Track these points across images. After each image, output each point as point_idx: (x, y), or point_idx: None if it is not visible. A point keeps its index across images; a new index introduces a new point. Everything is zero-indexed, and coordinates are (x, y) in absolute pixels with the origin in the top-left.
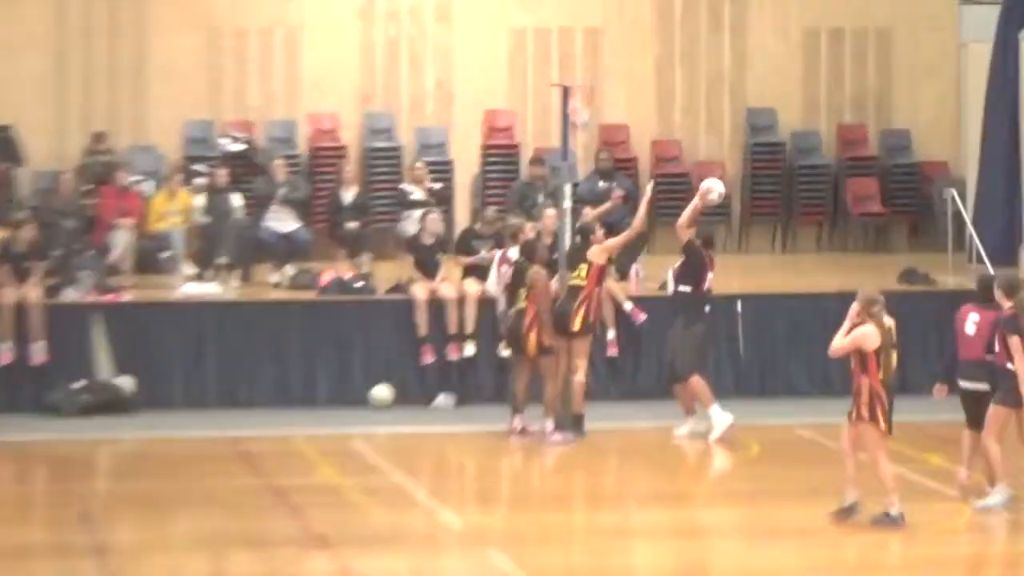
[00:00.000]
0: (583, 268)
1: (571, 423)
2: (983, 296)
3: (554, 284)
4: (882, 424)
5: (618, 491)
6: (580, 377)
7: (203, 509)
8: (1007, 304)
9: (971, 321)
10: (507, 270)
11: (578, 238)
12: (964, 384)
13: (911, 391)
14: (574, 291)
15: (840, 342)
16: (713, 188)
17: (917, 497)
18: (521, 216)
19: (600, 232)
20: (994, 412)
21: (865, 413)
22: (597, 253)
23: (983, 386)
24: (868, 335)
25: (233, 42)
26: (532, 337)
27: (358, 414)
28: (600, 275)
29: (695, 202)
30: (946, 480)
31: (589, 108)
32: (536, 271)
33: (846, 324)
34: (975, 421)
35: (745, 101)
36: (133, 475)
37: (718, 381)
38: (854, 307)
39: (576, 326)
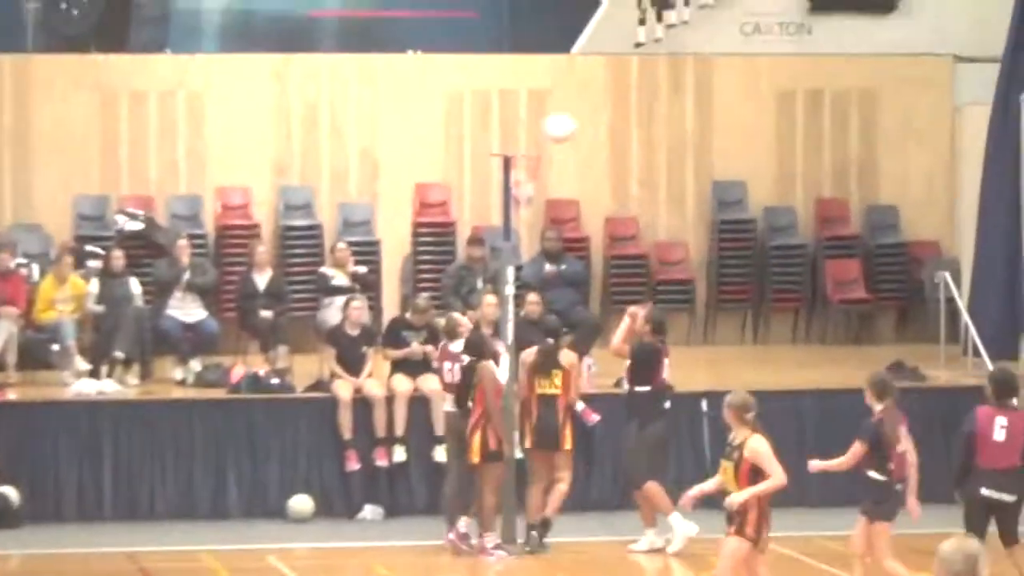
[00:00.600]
0: (556, 375)
1: (538, 527)
2: (1003, 393)
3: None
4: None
5: None
6: (564, 487)
7: None
8: None
9: (999, 425)
10: (451, 366)
11: (550, 340)
12: (988, 493)
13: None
14: (550, 401)
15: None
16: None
17: None
18: (457, 304)
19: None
20: None
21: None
22: (569, 357)
23: (1010, 497)
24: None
25: (130, 106)
26: (476, 440)
27: (274, 528)
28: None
29: (626, 322)
30: None
31: (534, 181)
32: (484, 367)
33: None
34: (986, 533)
35: (711, 173)
36: None
37: (679, 487)
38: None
39: (567, 444)
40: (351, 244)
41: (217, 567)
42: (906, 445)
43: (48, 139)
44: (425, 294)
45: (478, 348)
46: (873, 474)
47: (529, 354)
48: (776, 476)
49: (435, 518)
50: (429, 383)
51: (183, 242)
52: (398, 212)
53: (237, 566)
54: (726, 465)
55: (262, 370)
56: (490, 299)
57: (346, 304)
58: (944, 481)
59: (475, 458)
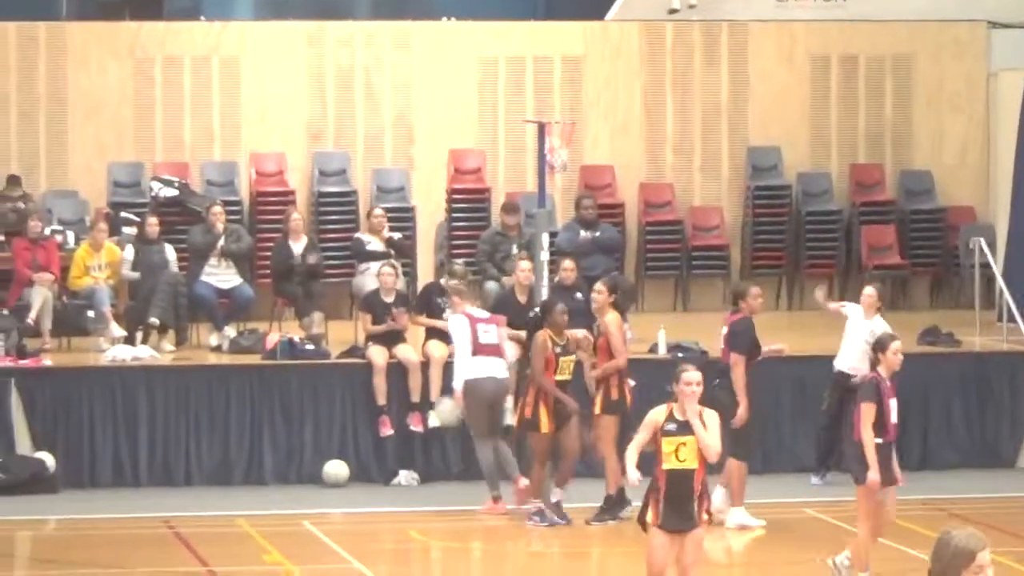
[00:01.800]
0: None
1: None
2: None
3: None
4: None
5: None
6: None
7: None
8: None
9: None
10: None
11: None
12: None
13: (933, 464)
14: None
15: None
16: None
17: None
18: (492, 270)
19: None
20: None
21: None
22: (614, 319)
23: None
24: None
25: (164, 73)
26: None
27: (309, 493)
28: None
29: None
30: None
31: (568, 147)
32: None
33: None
34: None
35: (746, 139)
36: (56, 562)
37: None
38: None
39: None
40: (386, 210)
41: (252, 532)
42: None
43: (83, 106)
44: (460, 260)
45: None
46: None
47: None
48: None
49: (470, 483)
50: None
51: (218, 209)
52: (433, 178)
53: (272, 531)
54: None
55: (297, 336)
56: (524, 264)
57: (380, 270)
58: (982, 447)
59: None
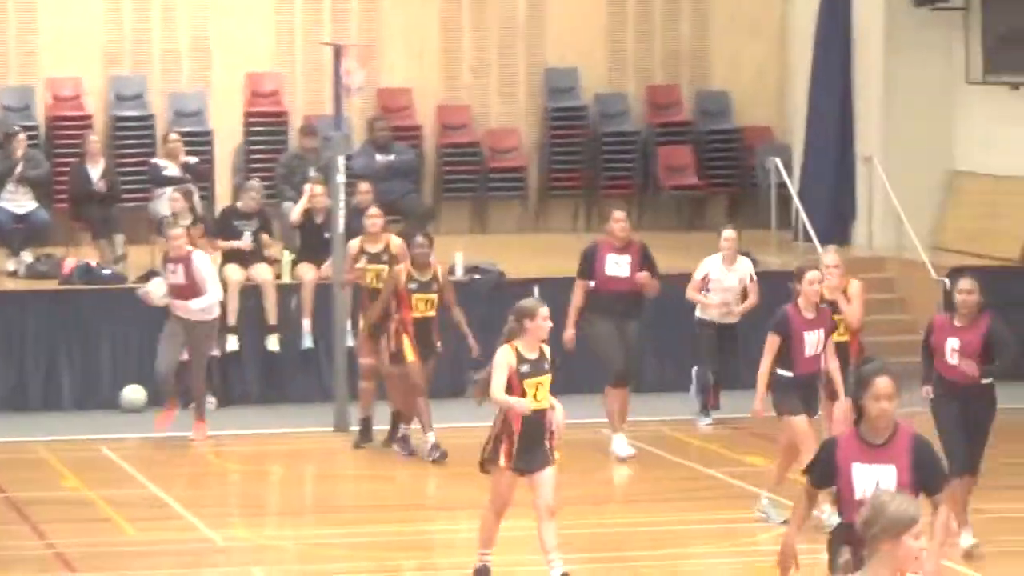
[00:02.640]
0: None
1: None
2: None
3: (323, 271)
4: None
5: (403, 500)
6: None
7: None
8: None
9: None
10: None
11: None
12: None
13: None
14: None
15: None
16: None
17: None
18: (289, 192)
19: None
20: None
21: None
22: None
23: None
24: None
25: None
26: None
27: (107, 418)
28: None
29: None
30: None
31: (365, 69)
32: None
33: None
34: None
35: (543, 60)
36: None
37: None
38: None
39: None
40: (183, 135)
41: (50, 458)
42: None
43: None
44: (254, 179)
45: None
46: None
47: (355, 244)
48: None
49: (267, 408)
50: (261, 272)
51: (22, 136)
52: (230, 101)
53: (70, 456)
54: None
55: (94, 261)
56: (317, 188)
57: (170, 195)
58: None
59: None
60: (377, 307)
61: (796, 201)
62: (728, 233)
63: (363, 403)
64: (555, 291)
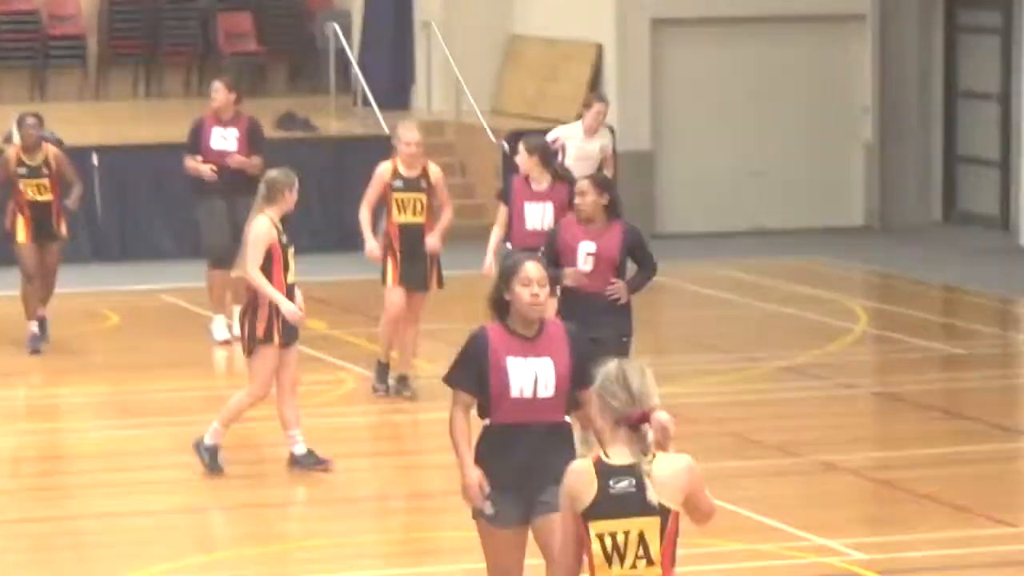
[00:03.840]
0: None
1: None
2: None
3: None
4: None
5: None
6: None
7: None
8: None
9: None
10: None
11: None
12: None
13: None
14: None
15: None
16: None
17: None
18: None
19: None
20: None
21: None
22: None
23: None
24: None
25: None
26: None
27: None
28: None
29: None
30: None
31: None
32: None
33: None
34: None
35: None
36: None
37: (74, 248)
38: None
39: None
40: None
41: None
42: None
43: None
44: None
45: None
46: None
47: None
48: None
49: None
50: None
51: None
52: None
53: None
54: None
55: None
56: None
57: None
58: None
59: None
60: None
61: (355, 67)
62: (600, 106)
63: None
64: (115, 160)
